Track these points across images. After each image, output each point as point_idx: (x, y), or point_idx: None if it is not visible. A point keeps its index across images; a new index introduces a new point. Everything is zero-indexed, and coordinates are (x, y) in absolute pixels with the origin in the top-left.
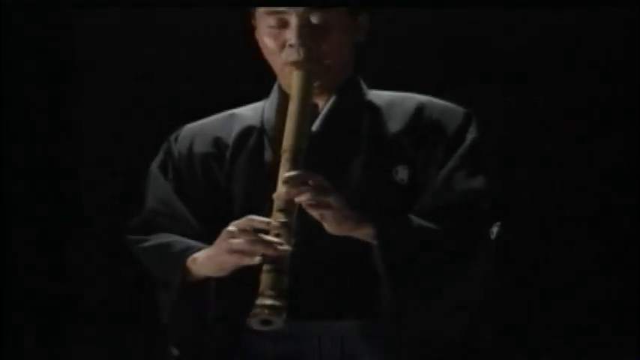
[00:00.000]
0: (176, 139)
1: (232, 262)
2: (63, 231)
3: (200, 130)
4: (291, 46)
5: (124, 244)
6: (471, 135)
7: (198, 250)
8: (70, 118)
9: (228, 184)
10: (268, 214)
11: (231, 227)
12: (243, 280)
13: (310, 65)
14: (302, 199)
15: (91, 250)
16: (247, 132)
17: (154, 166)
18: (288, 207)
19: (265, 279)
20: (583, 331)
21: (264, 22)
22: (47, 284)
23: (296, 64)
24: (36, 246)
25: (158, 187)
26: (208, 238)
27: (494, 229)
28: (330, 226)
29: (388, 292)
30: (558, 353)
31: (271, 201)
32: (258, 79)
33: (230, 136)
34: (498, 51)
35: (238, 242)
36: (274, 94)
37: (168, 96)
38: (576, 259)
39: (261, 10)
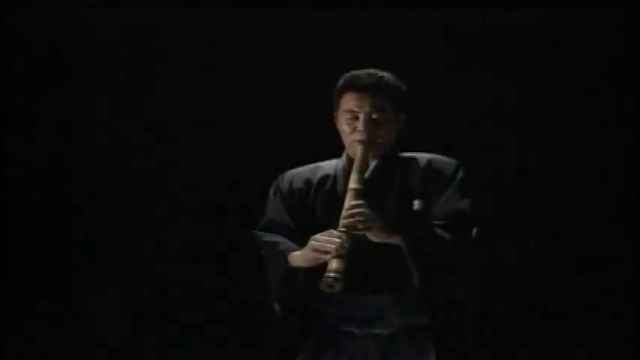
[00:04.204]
0: (282, 178)
1: (313, 257)
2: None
3: (297, 174)
4: (359, 131)
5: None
6: (459, 176)
7: (296, 250)
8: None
9: (314, 207)
10: (337, 227)
11: (315, 236)
12: (319, 271)
13: (369, 142)
14: (358, 226)
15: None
16: (326, 177)
17: (271, 193)
18: (350, 223)
19: (331, 262)
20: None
21: (343, 115)
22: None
23: (361, 142)
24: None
25: (274, 206)
26: (302, 239)
27: (474, 231)
28: (372, 237)
29: (414, 272)
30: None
31: (339, 219)
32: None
33: (315, 179)
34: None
35: (317, 244)
36: (344, 157)
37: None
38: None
39: (342, 109)
